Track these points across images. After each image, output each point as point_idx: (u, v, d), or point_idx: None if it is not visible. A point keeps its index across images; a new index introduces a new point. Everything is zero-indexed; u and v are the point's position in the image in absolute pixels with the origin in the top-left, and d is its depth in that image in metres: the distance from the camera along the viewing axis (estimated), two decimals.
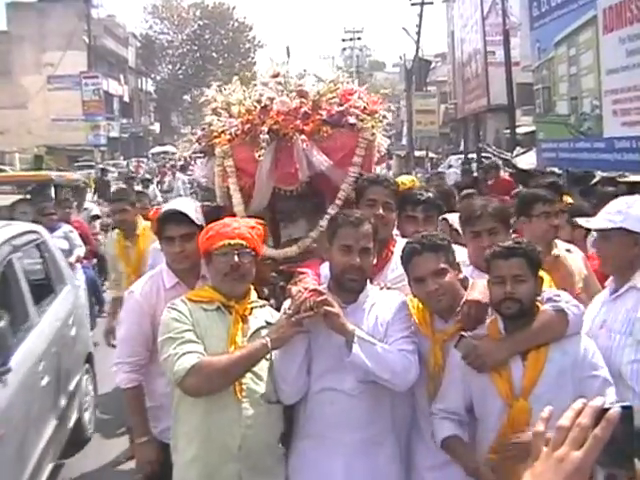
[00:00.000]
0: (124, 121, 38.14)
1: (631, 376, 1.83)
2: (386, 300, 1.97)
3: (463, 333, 1.82)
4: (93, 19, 29.18)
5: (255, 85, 2.46)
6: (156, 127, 45.72)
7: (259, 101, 2.34)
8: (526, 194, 2.84)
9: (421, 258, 1.90)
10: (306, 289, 1.84)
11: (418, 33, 20.40)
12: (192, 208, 2.25)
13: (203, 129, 2.46)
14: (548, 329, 1.80)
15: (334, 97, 2.36)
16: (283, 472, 1.98)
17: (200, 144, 2.48)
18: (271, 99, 2.32)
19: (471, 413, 1.92)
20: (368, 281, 1.99)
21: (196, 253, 2.21)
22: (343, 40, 47.98)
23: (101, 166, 22.59)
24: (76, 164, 25.83)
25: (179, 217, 2.17)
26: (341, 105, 2.34)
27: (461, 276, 1.96)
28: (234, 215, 2.36)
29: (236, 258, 1.92)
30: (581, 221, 2.26)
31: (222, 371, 1.82)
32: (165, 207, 2.30)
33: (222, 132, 2.37)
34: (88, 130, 28.47)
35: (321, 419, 1.90)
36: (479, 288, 1.92)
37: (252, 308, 2.00)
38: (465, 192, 5.50)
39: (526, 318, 1.80)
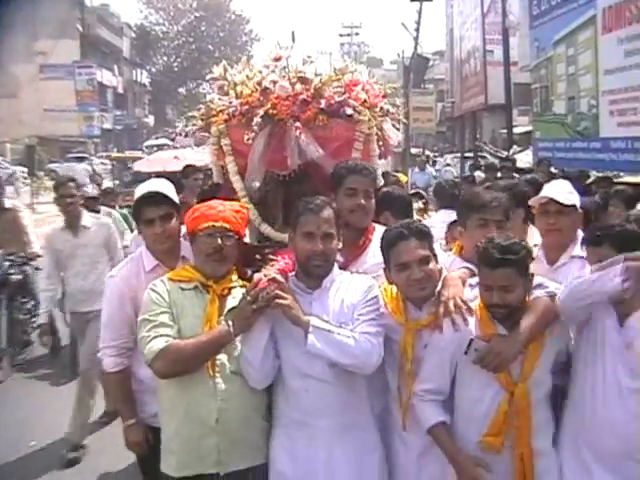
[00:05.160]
0: (118, 113, 37.83)
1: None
2: (353, 283, 1.97)
3: (472, 337, 1.81)
4: (87, 7, 28.88)
5: (254, 67, 2.44)
6: (150, 120, 45.40)
7: (260, 83, 2.32)
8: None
9: (408, 243, 1.89)
10: (266, 276, 1.86)
11: (417, 30, 20.33)
12: (169, 188, 2.24)
13: (207, 106, 2.46)
14: (547, 316, 1.85)
15: (339, 86, 2.33)
16: (266, 446, 1.98)
17: (202, 120, 2.48)
18: (274, 82, 2.29)
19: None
20: (336, 265, 2.00)
21: (176, 233, 2.22)
22: (341, 35, 47.90)
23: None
24: (69, 155, 25.57)
25: (158, 198, 2.16)
26: (343, 95, 2.31)
27: (439, 266, 1.97)
28: (233, 192, 2.38)
29: (219, 240, 1.97)
30: (551, 193, 2.31)
31: (188, 356, 1.87)
32: (140, 189, 2.24)
33: (220, 111, 2.36)
34: (81, 121, 28.23)
35: (298, 407, 1.91)
36: (452, 282, 1.92)
37: (231, 288, 2.02)
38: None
39: (517, 312, 1.84)
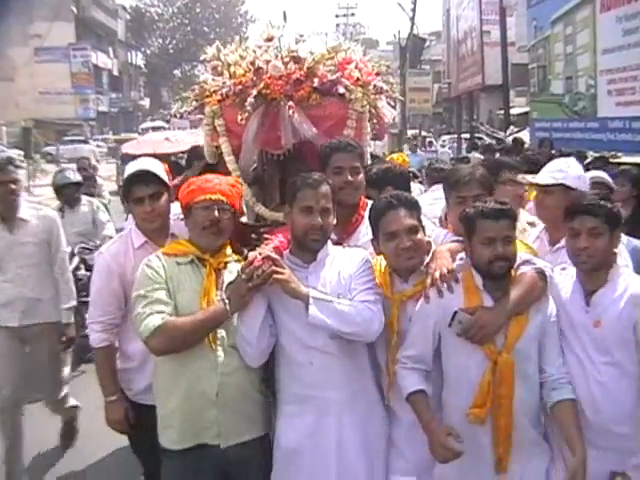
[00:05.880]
0: (113, 95, 37.44)
1: None
2: (347, 255, 2.00)
3: (456, 309, 1.81)
4: None
5: (247, 48, 2.45)
6: (146, 102, 44.92)
7: (253, 63, 2.33)
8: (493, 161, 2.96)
9: (397, 213, 1.92)
10: (260, 254, 1.88)
11: (413, 10, 20.09)
12: (158, 166, 2.24)
13: (201, 87, 2.48)
14: (534, 290, 1.86)
15: (332, 65, 2.34)
16: (263, 420, 2.01)
17: (197, 101, 2.50)
18: (267, 62, 2.30)
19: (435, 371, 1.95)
20: (329, 242, 2.02)
21: (166, 211, 2.23)
22: (336, 16, 47.30)
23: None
24: (65, 138, 25.38)
25: (147, 177, 2.17)
26: (336, 73, 2.31)
27: (427, 239, 1.99)
28: (227, 173, 2.39)
29: (216, 213, 1.96)
30: (528, 177, 2.37)
31: (185, 334, 1.87)
32: (130, 168, 2.23)
33: (214, 92, 2.38)
34: (77, 103, 27.96)
35: (304, 380, 1.92)
36: (441, 255, 1.95)
37: (227, 262, 2.02)
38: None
39: (508, 275, 1.86)
